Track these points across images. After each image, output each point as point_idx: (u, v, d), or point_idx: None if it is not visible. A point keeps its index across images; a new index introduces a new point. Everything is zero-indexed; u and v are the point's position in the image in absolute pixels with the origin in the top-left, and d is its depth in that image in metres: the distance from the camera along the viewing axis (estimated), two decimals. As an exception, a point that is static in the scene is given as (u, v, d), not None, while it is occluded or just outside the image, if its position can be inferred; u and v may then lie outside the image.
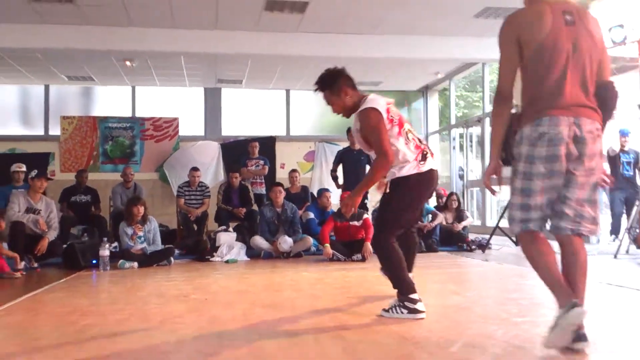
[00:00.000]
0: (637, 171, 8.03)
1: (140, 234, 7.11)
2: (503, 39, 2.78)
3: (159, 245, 7.29)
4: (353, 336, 3.16)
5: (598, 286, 4.80)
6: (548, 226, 2.79)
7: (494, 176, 2.88)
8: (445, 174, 13.34)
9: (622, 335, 3.17)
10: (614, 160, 8.70)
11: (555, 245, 2.80)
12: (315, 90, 3.92)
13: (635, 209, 6.83)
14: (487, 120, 9.76)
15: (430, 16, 8.92)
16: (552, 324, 2.60)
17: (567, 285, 2.67)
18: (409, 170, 3.64)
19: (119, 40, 9.30)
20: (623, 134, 8.61)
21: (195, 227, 8.77)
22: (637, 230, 6.66)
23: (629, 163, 8.56)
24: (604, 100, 2.75)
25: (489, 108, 12.25)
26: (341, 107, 3.80)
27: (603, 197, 8.97)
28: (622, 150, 8.66)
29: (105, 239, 6.96)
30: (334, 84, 3.80)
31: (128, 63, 10.75)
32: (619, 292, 4.52)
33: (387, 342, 3.02)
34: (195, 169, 9.16)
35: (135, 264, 6.83)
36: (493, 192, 2.92)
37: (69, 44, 9.26)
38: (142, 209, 7.14)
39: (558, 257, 2.78)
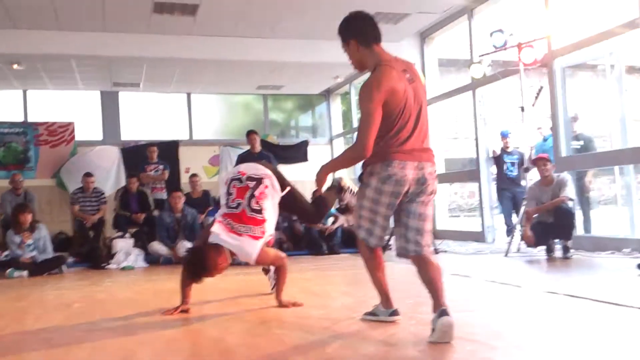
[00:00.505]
0: (521, 171, 8.38)
1: (30, 241, 6.83)
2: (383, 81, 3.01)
3: (50, 253, 7.04)
4: (232, 338, 3.12)
5: (484, 284, 5.00)
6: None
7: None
8: (351, 176, 13.50)
9: (503, 331, 3.28)
10: (497, 161, 9.04)
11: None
12: None
13: (522, 207, 7.13)
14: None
15: (325, 20, 9.02)
16: (372, 310, 3.48)
17: (388, 292, 3.42)
18: None
19: (2, 43, 8.84)
20: (504, 135, 8.95)
21: (92, 234, 8.46)
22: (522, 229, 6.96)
23: (513, 164, 8.84)
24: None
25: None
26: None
27: (494, 200, 9.39)
28: (505, 152, 8.94)
29: (-8, 247, 6.62)
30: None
31: (15, 66, 10.21)
32: (501, 290, 4.70)
33: (265, 344, 3.00)
34: (88, 174, 8.83)
35: (25, 273, 6.58)
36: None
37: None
38: (29, 217, 6.87)
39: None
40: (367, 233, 3.20)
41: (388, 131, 3.01)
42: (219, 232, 3.71)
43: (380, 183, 3.04)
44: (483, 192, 9.31)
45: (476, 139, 9.38)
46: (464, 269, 5.87)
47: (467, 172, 12.45)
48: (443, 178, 10.64)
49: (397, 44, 10.10)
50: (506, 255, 7.05)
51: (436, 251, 7.70)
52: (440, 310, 2.91)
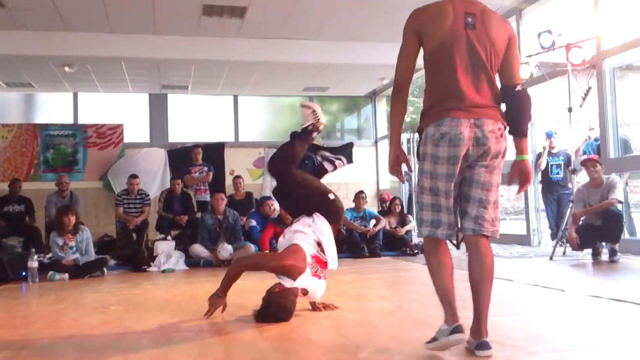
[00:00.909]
0: (568, 173, 8.13)
1: (72, 244, 6.88)
2: (405, 29, 2.80)
3: (92, 256, 7.07)
4: (265, 344, 3.10)
5: (526, 288, 4.86)
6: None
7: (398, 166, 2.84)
8: (393, 178, 13.41)
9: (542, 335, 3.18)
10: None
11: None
12: None
13: (569, 210, 6.93)
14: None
15: (371, 23, 8.98)
16: (434, 335, 2.70)
17: (454, 303, 2.73)
18: None
19: (55, 45, 9.10)
20: (548, 135, 8.67)
21: (135, 236, 8.58)
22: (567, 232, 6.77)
23: (558, 166, 8.58)
24: (512, 104, 2.73)
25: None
26: None
27: (540, 202, 9.12)
28: (549, 153, 8.66)
29: (34, 250, 6.74)
30: None
31: (67, 69, 10.48)
32: (545, 294, 4.56)
33: (297, 349, 2.97)
34: (134, 176, 8.97)
35: (66, 276, 6.60)
36: (402, 179, 2.92)
37: (3, 49, 9.02)
38: (73, 218, 6.92)
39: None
40: (431, 224, 2.72)
41: (435, 84, 2.72)
42: (307, 276, 3.73)
43: (434, 146, 2.64)
44: (529, 194, 9.07)
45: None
46: (507, 273, 5.73)
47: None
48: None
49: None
50: (551, 258, 6.86)
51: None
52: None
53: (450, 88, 2.66)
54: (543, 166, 8.58)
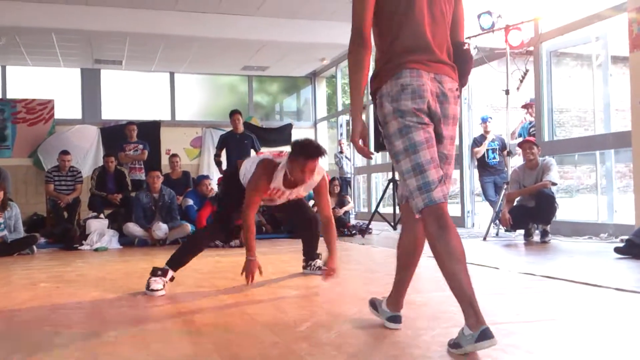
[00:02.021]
0: (503, 157, 8.32)
1: (0, 220, 6.62)
2: None
3: (21, 233, 6.85)
4: (202, 319, 3.02)
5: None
6: None
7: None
8: (331, 160, 13.44)
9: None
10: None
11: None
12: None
13: (503, 192, 7.10)
14: (371, 108, 9.88)
15: (312, 0, 8.89)
16: (455, 340, 2.27)
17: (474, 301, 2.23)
18: None
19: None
20: (483, 120, 8.81)
21: (66, 215, 8.28)
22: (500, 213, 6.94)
23: (493, 150, 8.71)
24: (460, 62, 2.48)
25: (373, 95, 12.43)
26: None
27: (474, 185, 9.32)
28: (485, 138, 8.75)
29: (-41, 226, 6.41)
30: None
31: (-6, 40, 9.97)
32: (479, 271, 4.64)
33: (236, 323, 2.91)
34: (65, 152, 8.64)
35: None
36: (368, 154, 2.45)
37: None
38: (1, 194, 6.64)
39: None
40: (424, 190, 2.28)
41: (390, 37, 2.36)
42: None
43: (395, 102, 2.30)
44: (464, 177, 9.27)
45: (459, 124, 9.31)
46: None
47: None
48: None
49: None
50: (485, 239, 7.01)
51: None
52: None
53: (410, 40, 2.34)
54: (480, 155, 8.71)
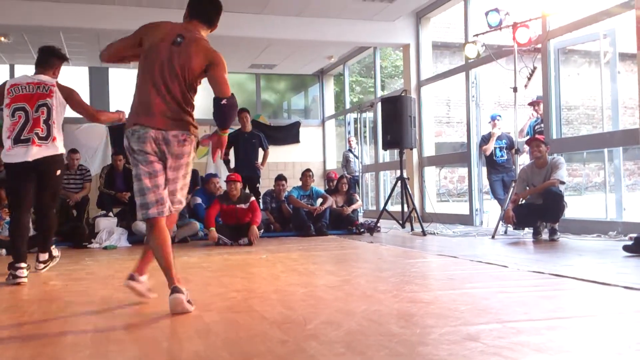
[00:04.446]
0: (511, 155, 8.27)
1: (8, 219, 6.65)
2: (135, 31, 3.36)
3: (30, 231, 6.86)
4: (211, 317, 3.04)
5: (469, 264, 4.94)
6: None
7: None
8: (339, 158, 13.46)
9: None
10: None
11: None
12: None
13: (511, 190, 7.07)
14: (379, 105, 9.87)
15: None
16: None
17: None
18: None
19: (-12, 13, 8.64)
20: (492, 118, 8.75)
21: (75, 213, 8.32)
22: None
23: (501, 148, 8.66)
24: (215, 113, 3.32)
25: (380, 93, 12.42)
26: None
27: (482, 184, 9.28)
28: (492, 135, 8.65)
29: (-33, 224, 6.46)
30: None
31: (2, 39, 10.02)
32: (487, 269, 4.64)
33: (244, 321, 2.92)
34: (73, 150, 8.66)
35: (3, 251, 6.41)
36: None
37: None
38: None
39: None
40: (142, 207, 3.24)
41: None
42: None
43: (129, 141, 3.27)
44: (472, 175, 9.25)
45: (468, 122, 9.31)
46: (451, 250, 5.83)
47: (458, 155, 12.42)
48: (433, 161, 10.61)
49: (390, 24, 9.97)
50: (493, 237, 7.00)
51: (424, 233, 7.66)
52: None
53: (145, 97, 3.27)
54: (489, 152, 8.67)
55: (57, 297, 3.77)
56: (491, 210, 9.42)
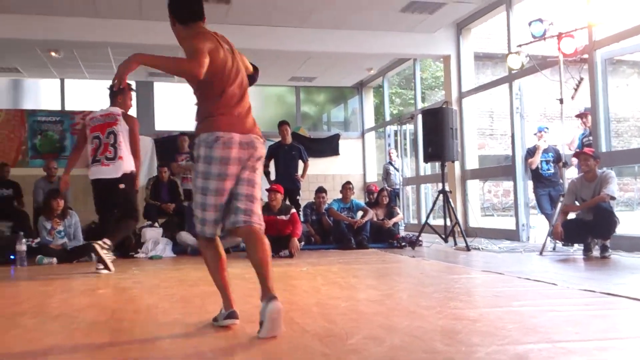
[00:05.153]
0: (558, 168, 8.04)
1: (60, 228, 6.89)
2: (201, 36, 3.06)
3: (80, 241, 7.10)
4: (253, 329, 3.03)
5: (516, 281, 4.83)
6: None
7: None
8: (379, 170, 13.38)
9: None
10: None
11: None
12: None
13: (559, 205, 6.89)
14: (420, 117, 9.81)
15: (358, 10, 8.90)
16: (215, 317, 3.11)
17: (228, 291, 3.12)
18: None
19: (40, 29, 8.89)
20: (540, 130, 8.56)
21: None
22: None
23: (548, 162, 8.45)
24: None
25: (421, 105, 12.34)
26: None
27: (529, 198, 9.07)
28: (537, 148, 8.44)
29: (22, 233, 6.69)
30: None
31: (53, 54, 10.33)
32: (535, 286, 4.53)
33: (286, 333, 2.91)
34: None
35: (54, 260, 6.64)
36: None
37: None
38: (61, 202, 6.92)
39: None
40: (201, 223, 3.03)
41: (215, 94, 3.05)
42: None
43: (209, 148, 2.97)
44: (518, 189, 9.04)
45: (512, 134, 9.13)
46: (497, 266, 5.71)
47: (502, 168, 12.21)
48: (476, 174, 10.45)
49: (431, 35, 9.92)
50: (541, 253, 6.80)
51: (468, 248, 7.52)
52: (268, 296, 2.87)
53: (224, 105, 3.08)
54: (535, 165, 8.49)
55: (106, 305, 3.83)
56: (538, 226, 9.20)
